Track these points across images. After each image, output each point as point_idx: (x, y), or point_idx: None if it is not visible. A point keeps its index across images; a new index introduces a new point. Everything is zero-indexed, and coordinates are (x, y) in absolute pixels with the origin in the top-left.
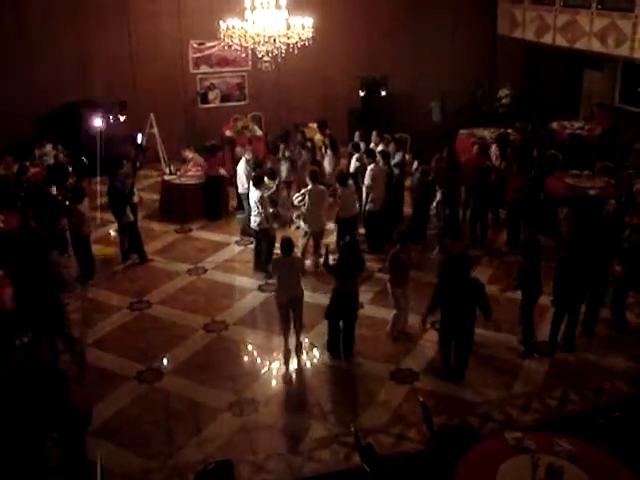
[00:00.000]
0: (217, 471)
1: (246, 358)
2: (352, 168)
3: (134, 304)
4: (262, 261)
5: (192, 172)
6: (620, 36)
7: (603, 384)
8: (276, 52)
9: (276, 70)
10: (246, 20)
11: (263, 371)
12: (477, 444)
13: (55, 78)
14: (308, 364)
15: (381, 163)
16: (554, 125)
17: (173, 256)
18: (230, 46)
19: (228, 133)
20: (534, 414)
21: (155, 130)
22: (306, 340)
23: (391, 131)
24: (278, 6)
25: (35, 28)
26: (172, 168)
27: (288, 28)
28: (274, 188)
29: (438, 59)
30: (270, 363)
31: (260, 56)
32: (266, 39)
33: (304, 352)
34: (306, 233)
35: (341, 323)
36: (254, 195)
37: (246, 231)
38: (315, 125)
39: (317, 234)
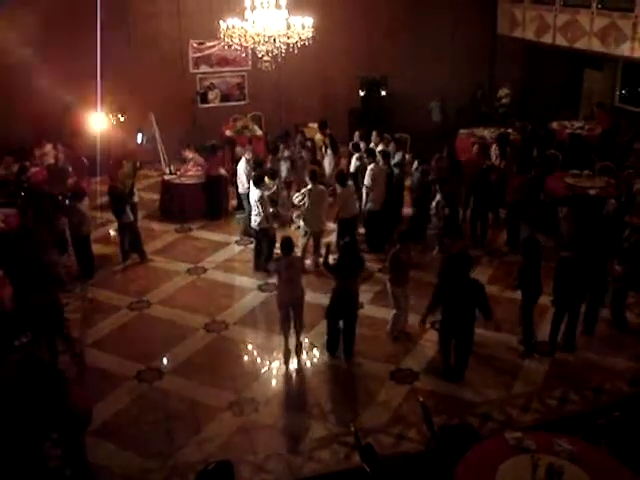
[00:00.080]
0: (217, 471)
1: (246, 358)
2: (352, 168)
3: (134, 304)
4: (262, 261)
5: (192, 172)
6: (620, 36)
7: (603, 384)
8: (276, 52)
9: (276, 70)
10: (246, 20)
11: (263, 371)
12: (477, 444)
13: (55, 78)
14: (308, 364)
15: (381, 163)
16: (554, 125)
17: (173, 256)
18: (230, 46)
19: (228, 133)
20: (534, 414)
21: (155, 130)
22: (306, 340)
23: (391, 131)
24: (278, 6)
25: (35, 28)
26: (172, 168)
27: (288, 28)
28: (274, 188)
29: (438, 59)
30: (270, 363)
31: (260, 56)
32: (266, 39)
33: (304, 352)
34: (306, 233)
35: (341, 323)
36: (254, 194)
37: (247, 231)
38: (315, 125)
39: (317, 234)
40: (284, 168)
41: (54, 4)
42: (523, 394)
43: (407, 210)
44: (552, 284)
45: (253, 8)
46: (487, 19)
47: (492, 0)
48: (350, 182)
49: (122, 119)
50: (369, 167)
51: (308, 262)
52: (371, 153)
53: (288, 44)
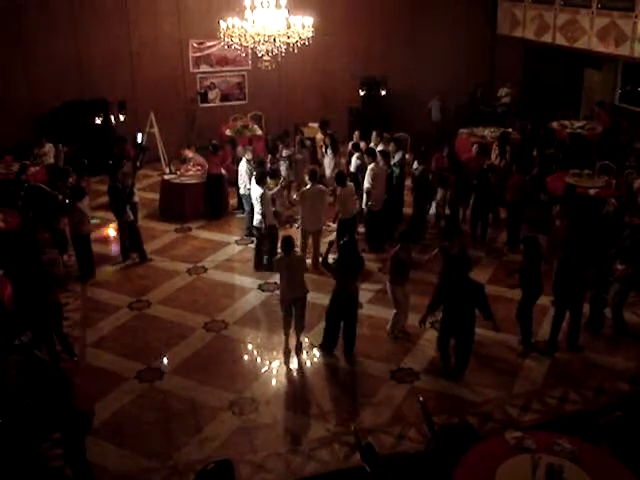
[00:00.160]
0: (217, 470)
1: (246, 357)
2: (353, 167)
3: (134, 303)
4: (263, 260)
5: (192, 171)
6: (620, 35)
7: (603, 384)
8: (276, 51)
9: (276, 69)
10: (246, 19)
11: (263, 370)
12: (477, 444)
13: (55, 78)
14: (308, 363)
15: (381, 163)
16: (554, 124)
17: (173, 255)
18: (230, 45)
19: (228, 132)
20: (534, 414)
21: (155, 129)
22: (306, 340)
23: (391, 130)
24: (278, 5)
25: (35, 28)
26: (172, 167)
27: (288, 27)
28: (278, 188)
29: (438, 59)
30: (270, 362)
31: (260, 55)
32: (266, 38)
33: (304, 351)
34: (305, 232)
35: (342, 323)
36: (256, 192)
37: (249, 231)
38: (315, 125)
39: (315, 233)
40: (283, 168)
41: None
42: (523, 394)
43: (407, 210)
44: (552, 284)
45: (253, 8)
46: (487, 19)
47: (492, 0)
48: (350, 183)
49: (122, 118)
50: (369, 167)
51: (308, 261)
52: (371, 153)
53: (288, 44)
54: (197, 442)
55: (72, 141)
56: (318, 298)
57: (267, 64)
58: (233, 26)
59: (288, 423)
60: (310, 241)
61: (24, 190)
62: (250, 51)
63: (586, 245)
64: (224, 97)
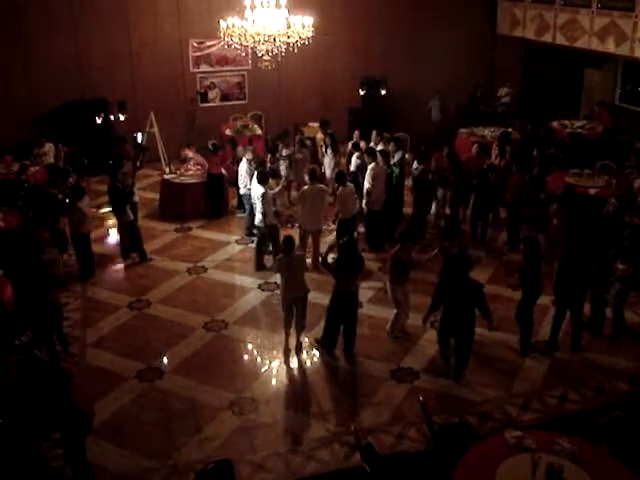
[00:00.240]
0: (217, 470)
1: (246, 357)
2: (353, 167)
3: (134, 303)
4: (264, 259)
5: (192, 171)
6: (620, 35)
7: (603, 384)
8: (276, 51)
9: (276, 69)
10: (246, 19)
11: (263, 370)
12: (477, 443)
13: (55, 78)
14: (308, 363)
15: (381, 162)
16: (554, 124)
17: (173, 255)
18: (230, 45)
19: (228, 132)
20: (534, 413)
21: (155, 129)
22: (306, 339)
23: (391, 130)
24: (278, 5)
25: (35, 28)
26: (172, 167)
27: (288, 27)
28: (279, 188)
29: (438, 59)
30: (270, 362)
31: (260, 55)
32: (266, 38)
33: (304, 351)
34: (304, 231)
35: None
36: (258, 191)
37: (249, 231)
38: (315, 124)
39: (315, 233)
40: (283, 167)
41: (56, 3)
42: (523, 393)
43: (407, 210)
44: (553, 284)
45: (253, 7)
46: (487, 19)
47: (492, 0)
48: (350, 183)
49: (122, 118)
50: (369, 167)
51: (308, 261)
52: (371, 152)
53: (288, 43)
54: (197, 442)
55: (72, 141)
56: (318, 298)
57: (267, 64)
58: (233, 26)
59: (288, 423)
60: (310, 241)
61: (24, 190)
62: (250, 51)
63: (586, 245)
64: (224, 97)
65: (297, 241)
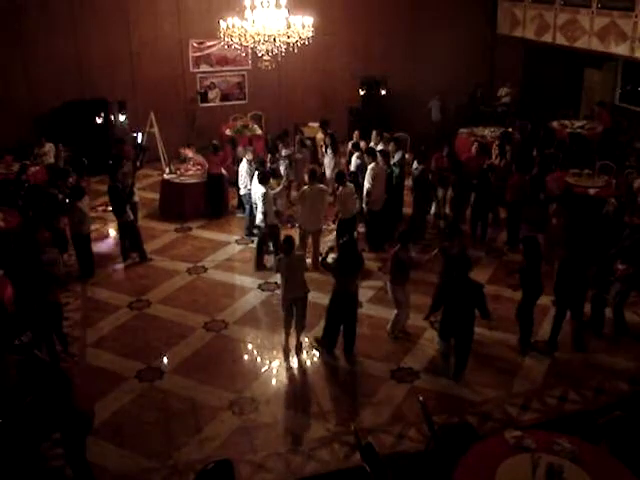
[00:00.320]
0: (217, 470)
1: (246, 357)
2: (353, 166)
3: (134, 303)
4: (264, 260)
5: (192, 171)
6: (620, 35)
7: (603, 383)
8: (276, 51)
9: (276, 69)
10: (246, 19)
11: (263, 370)
12: (477, 443)
13: (55, 78)
14: (308, 363)
15: (381, 162)
16: (554, 124)
17: (173, 255)
18: (230, 45)
19: (228, 132)
20: (534, 413)
21: (155, 129)
22: (306, 339)
23: (391, 130)
24: (278, 5)
25: (35, 28)
26: (172, 167)
27: (288, 27)
28: (281, 188)
29: (438, 59)
30: (270, 362)
31: (260, 55)
32: (266, 38)
33: (304, 351)
34: (304, 231)
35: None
36: (259, 191)
37: (249, 231)
38: (315, 124)
39: (314, 233)
40: (282, 167)
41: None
42: (523, 393)
43: (407, 210)
44: (553, 284)
45: (253, 7)
46: (487, 19)
47: (492, 0)
48: (350, 184)
49: (122, 118)
50: (369, 167)
51: (308, 261)
52: (371, 152)
53: (288, 43)
54: (197, 442)
55: (72, 141)
56: (318, 298)
57: (267, 64)
58: (233, 26)
59: (288, 423)
60: (310, 241)
61: (24, 190)
62: (250, 51)
63: (586, 245)
64: (224, 97)
65: (297, 241)
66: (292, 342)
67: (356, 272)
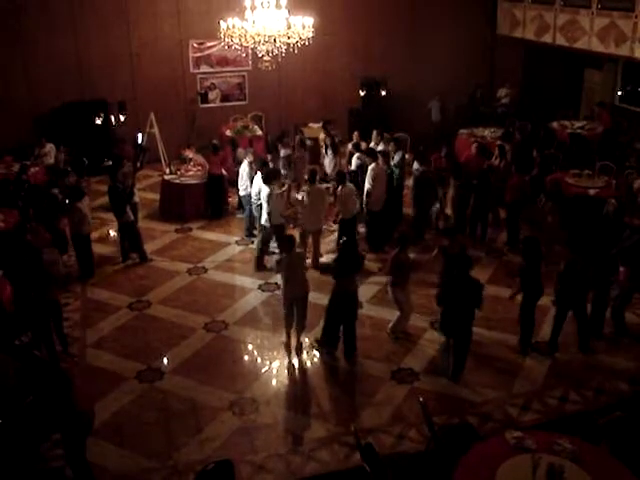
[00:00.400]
0: (217, 471)
1: (246, 358)
2: (353, 166)
3: (134, 304)
4: (264, 260)
5: (192, 172)
6: (620, 35)
7: (603, 384)
8: (276, 52)
9: (276, 70)
10: (246, 20)
11: (263, 370)
12: (477, 444)
13: (55, 78)
14: (308, 363)
15: (381, 163)
16: (554, 124)
17: (173, 256)
18: (230, 46)
19: (228, 133)
20: (534, 414)
21: (155, 130)
22: (307, 340)
23: (391, 131)
24: (278, 6)
25: (35, 28)
26: (172, 168)
27: (288, 28)
28: (285, 188)
29: (438, 59)
30: (270, 362)
31: (260, 56)
32: (266, 39)
33: (304, 351)
34: (305, 231)
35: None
36: (264, 192)
37: (250, 232)
38: (315, 125)
39: (315, 233)
40: (281, 168)
41: (56, 3)
42: (523, 394)
43: (407, 210)
44: (553, 284)
45: (253, 8)
46: (487, 19)
47: (492, 0)
48: (350, 184)
49: (122, 119)
50: (370, 167)
51: (308, 261)
52: (372, 153)
53: (288, 44)
54: (197, 442)
55: (72, 141)
56: (318, 298)
57: (267, 64)
58: (233, 26)
59: (288, 423)
60: (310, 241)
61: (24, 190)
62: (250, 51)
63: (587, 245)
64: (224, 97)
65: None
66: (293, 342)
67: (355, 272)
